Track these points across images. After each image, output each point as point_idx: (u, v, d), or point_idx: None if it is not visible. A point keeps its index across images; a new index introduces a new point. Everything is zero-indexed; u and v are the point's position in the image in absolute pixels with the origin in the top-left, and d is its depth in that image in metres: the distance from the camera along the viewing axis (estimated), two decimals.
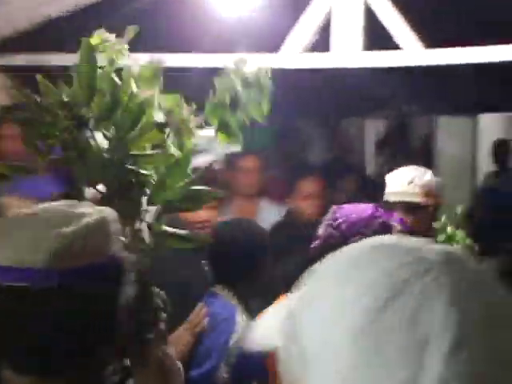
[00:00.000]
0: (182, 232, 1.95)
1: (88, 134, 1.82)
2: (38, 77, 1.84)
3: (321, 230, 2.70)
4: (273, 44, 4.52)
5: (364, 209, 2.69)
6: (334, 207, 2.75)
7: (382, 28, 4.29)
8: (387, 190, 3.79)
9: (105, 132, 1.84)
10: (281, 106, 4.65)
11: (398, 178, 3.78)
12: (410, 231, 3.38)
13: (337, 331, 0.75)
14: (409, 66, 4.22)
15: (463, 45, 4.13)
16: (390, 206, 3.56)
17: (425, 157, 7.82)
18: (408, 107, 6.57)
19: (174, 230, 1.94)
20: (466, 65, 4.15)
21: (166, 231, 1.92)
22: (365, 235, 2.52)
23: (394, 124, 7.57)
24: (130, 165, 1.84)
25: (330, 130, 7.12)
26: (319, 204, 4.76)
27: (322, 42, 4.41)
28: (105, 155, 1.83)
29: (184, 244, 1.96)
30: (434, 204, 3.76)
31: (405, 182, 3.73)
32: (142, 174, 1.85)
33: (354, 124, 8.34)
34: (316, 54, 4.42)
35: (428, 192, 3.73)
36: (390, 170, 3.86)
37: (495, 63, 4.07)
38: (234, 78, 2.04)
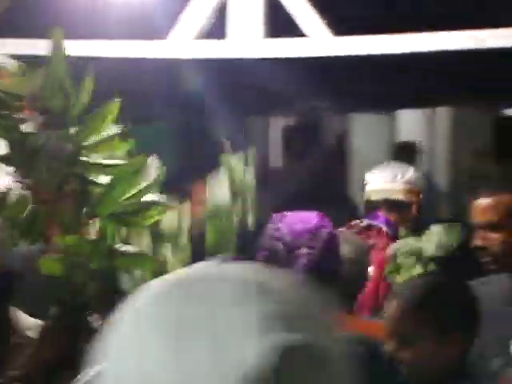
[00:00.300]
0: (133, 250, 1.91)
1: (41, 135, 1.81)
2: (17, 64, 1.86)
3: (264, 241, 2.64)
4: (161, 30, 4.32)
5: (308, 218, 2.63)
6: (277, 216, 2.67)
7: (285, 13, 4.12)
8: (368, 188, 3.87)
9: (61, 134, 1.83)
10: (170, 100, 4.35)
11: (380, 175, 3.88)
12: (395, 230, 3.62)
13: (134, 363, 0.76)
14: (316, 56, 4.09)
15: (377, 32, 4.03)
16: (373, 205, 3.75)
17: (338, 156, 7.70)
18: (317, 103, 6.39)
19: (125, 247, 1.90)
20: (380, 55, 4.05)
21: (113, 249, 1.86)
22: (312, 247, 2.56)
23: (302, 122, 7.44)
24: (81, 171, 1.84)
25: (228, 129, 6.90)
26: None
27: (217, 28, 4.24)
28: (54, 159, 1.81)
29: (135, 263, 1.91)
30: (416, 201, 3.88)
31: (387, 180, 3.83)
32: (92, 182, 1.84)
33: (257, 122, 8.26)
34: (210, 42, 4.25)
35: (411, 188, 3.85)
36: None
37: (413, 54, 3.96)
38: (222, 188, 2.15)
